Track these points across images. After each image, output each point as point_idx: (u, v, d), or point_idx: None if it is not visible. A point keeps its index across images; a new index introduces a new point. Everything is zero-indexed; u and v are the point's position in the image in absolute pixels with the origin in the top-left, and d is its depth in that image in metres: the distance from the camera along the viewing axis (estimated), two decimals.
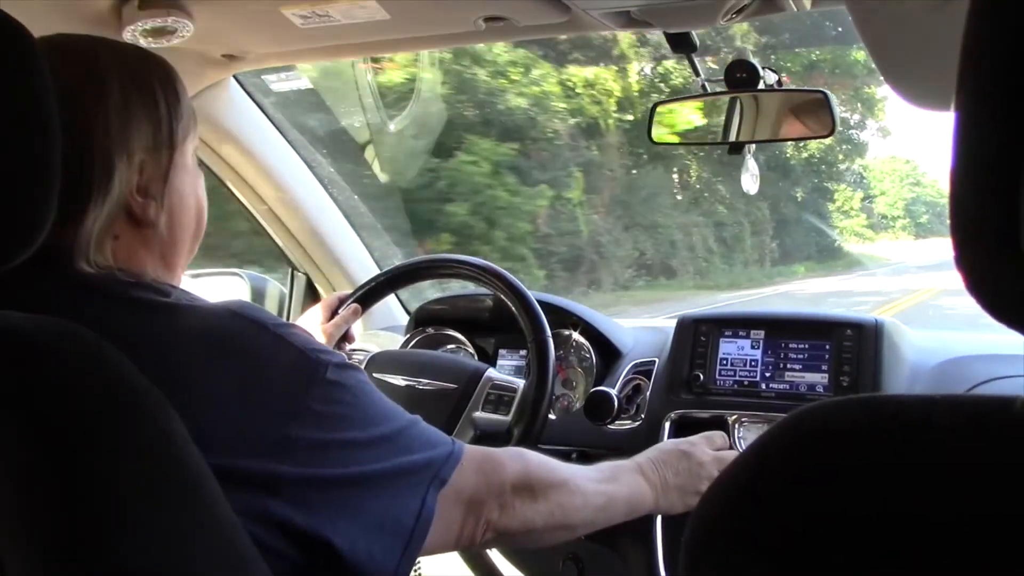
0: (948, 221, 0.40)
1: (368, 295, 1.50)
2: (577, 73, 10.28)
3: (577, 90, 10.42)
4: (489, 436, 1.34)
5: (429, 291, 2.10)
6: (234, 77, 1.59)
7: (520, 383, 1.38)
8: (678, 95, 1.33)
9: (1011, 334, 0.42)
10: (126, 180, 0.78)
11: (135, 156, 0.78)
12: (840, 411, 0.48)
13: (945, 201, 0.40)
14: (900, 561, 0.42)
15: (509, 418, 1.35)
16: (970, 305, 0.40)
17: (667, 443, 1.16)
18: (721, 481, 0.48)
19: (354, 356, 1.54)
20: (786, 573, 0.44)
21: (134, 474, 0.64)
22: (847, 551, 0.43)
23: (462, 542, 0.86)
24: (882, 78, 0.96)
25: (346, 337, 1.40)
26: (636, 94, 10.94)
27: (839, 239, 19.43)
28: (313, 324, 1.37)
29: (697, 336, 1.49)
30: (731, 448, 1.24)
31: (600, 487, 1.01)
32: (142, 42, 1.23)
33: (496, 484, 0.88)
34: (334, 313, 1.39)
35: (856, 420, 0.46)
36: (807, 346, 1.43)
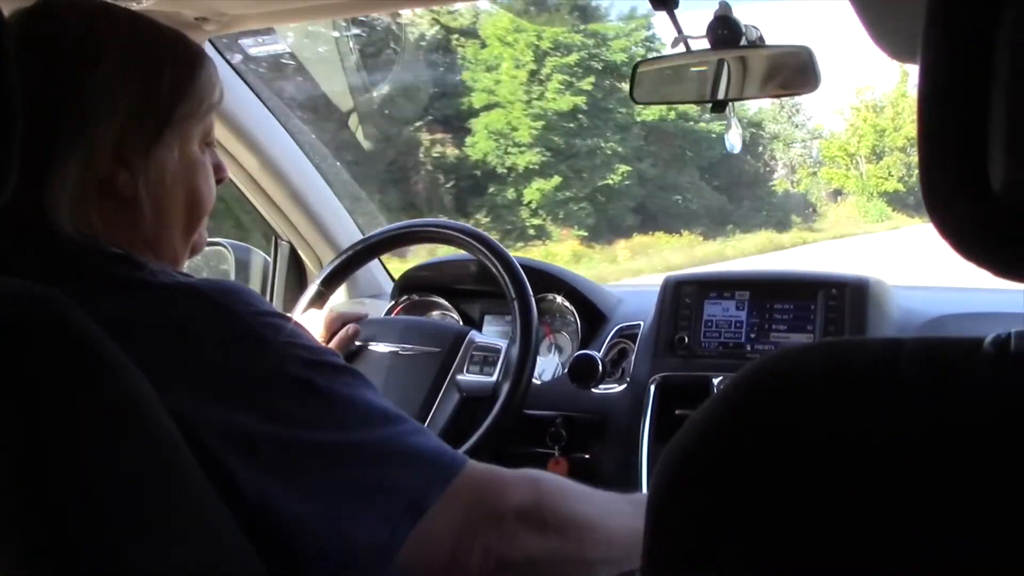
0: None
1: (349, 262, 1.49)
2: None
3: None
4: (474, 398, 1.34)
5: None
6: (209, 41, 1.56)
7: (504, 343, 1.38)
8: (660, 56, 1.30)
9: (999, 292, 0.41)
10: (102, 142, 0.75)
11: (117, 119, 0.76)
12: (805, 356, 0.47)
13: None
14: (872, 499, 0.42)
15: (494, 379, 1.34)
16: None
17: None
18: (687, 430, 0.47)
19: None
20: (755, 517, 0.44)
21: (102, 446, 0.62)
22: (815, 494, 0.42)
23: (455, 570, 0.74)
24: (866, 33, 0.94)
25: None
26: None
27: None
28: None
29: (681, 298, 1.48)
30: None
31: (633, 524, 0.85)
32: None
33: (496, 511, 0.76)
34: (334, 331, 1.34)
35: (822, 364, 0.46)
36: (792, 306, 1.42)
